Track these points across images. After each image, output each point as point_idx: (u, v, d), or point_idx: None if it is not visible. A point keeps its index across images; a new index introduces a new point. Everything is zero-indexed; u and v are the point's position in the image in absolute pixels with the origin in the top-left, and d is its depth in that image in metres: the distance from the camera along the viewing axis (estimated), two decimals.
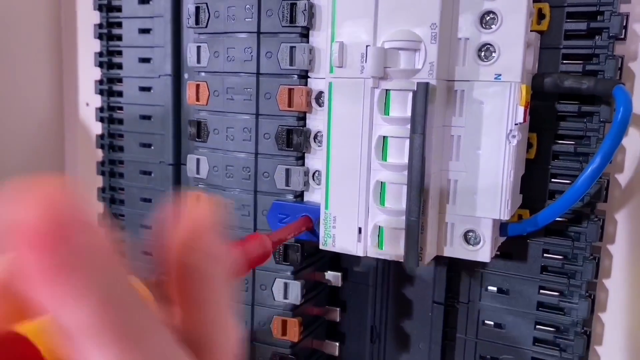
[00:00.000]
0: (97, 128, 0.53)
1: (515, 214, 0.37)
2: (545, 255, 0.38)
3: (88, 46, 0.53)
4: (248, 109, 0.37)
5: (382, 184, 0.33)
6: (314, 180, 0.37)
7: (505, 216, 0.32)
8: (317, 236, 0.35)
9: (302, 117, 0.37)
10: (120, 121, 0.51)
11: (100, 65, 0.51)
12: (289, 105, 0.36)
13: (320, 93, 0.36)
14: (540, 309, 0.38)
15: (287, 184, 0.37)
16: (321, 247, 0.35)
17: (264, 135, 0.37)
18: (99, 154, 0.53)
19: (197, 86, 0.39)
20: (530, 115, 0.36)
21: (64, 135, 0.65)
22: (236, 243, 0.26)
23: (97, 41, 0.51)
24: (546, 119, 0.36)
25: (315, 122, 0.36)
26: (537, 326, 0.38)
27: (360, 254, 0.33)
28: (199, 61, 0.39)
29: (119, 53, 0.50)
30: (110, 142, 0.52)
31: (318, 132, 0.36)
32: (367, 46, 0.31)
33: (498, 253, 0.38)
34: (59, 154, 0.65)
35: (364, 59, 0.31)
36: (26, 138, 0.61)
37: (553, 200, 0.37)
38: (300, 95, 0.36)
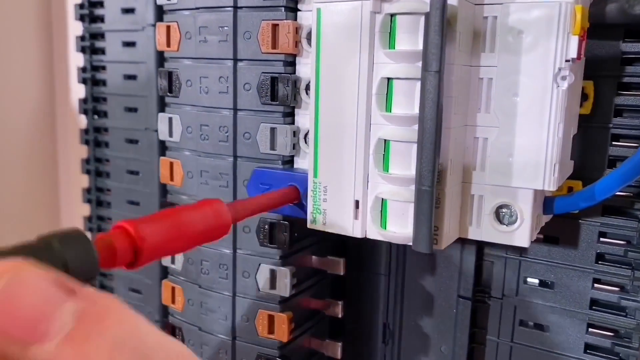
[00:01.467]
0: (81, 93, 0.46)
1: (564, 186, 0.29)
2: (601, 239, 0.30)
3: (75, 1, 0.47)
4: (224, 52, 0.30)
5: (386, 143, 0.25)
6: (305, 142, 0.29)
7: (551, 186, 0.24)
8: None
9: (290, 62, 0.29)
10: (104, 82, 0.44)
11: (82, 18, 0.45)
12: (273, 46, 0.28)
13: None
14: (594, 307, 0.30)
15: (272, 147, 0.29)
16: (309, 225, 0.27)
17: (244, 85, 0.30)
18: (84, 122, 0.47)
19: (168, 28, 0.32)
20: (585, 57, 0.28)
21: (55, 104, 0.60)
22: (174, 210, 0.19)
23: None
24: (607, 62, 0.28)
25: (307, 67, 0.29)
26: (590, 329, 0.31)
27: (358, 234, 0.26)
28: None
29: (102, 4, 0.44)
30: (93, 106, 0.45)
31: (310, 80, 0.29)
32: None
33: (541, 236, 0.31)
34: (51, 121, 0.60)
35: None
36: (17, 105, 0.56)
37: (614, 169, 0.29)
38: (287, 32, 0.28)
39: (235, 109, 0.30)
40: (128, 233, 0.18)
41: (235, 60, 0.30)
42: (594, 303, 0.30)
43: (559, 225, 0.30)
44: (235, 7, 0.29)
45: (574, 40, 0.23)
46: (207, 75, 0.31)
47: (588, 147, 0.29)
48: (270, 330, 0.31)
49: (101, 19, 0.44)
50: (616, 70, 0.28)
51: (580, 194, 0.26)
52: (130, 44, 0.42)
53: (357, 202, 0.26)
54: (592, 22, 0.26)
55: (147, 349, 0.12)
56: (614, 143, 0.29)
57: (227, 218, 0.22)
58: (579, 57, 0.23)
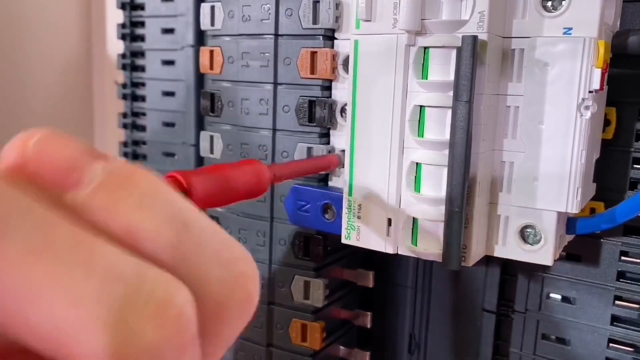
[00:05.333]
0: (120, 105, 0.49)
1: (586, 207, 0.30)
2: (622, 258, 0.31)
3: (117, 21, 0.49)
4: (265, 77, 0.32)
5: (418, 166, 0.27)
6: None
7: (574, 209, 0.25)
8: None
9: (327, 87, 0.31)
10: (143, 98, 0.47)
11: (123, 37, 0.47)
12: (312, 71, 0.30)
13: (349, 57, 0.30)
14: (615, 323, 0.31)
15: None
16: (343, 240, 0.29)
17: (283, 107, 0.32)
18: (123, 135, 0.49)
19: (211, 52, 0.34)
20: (608, 84, 0.29)
21: (94, 118, 0.63)
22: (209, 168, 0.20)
23: (120, 12, 0.47)
24: (629, 89, 0.29)
25: (343, 92, 0.31)
26: (611, 344, 0.32)
27: (390, 251, 0.28)
28: (212, 23, 0.34)
29: (142, 24, 0.46)
30: (133, 121, 0.48)
31: (345, 104, 0.30)
32: None
33: (564, 254, 0.32)
34: (90, 134, 0.62)
35: (397, 9, 0.25)
36: (54, 93, 0.58)
37: (635, 192, 0.30)
38: (325, 59, 0.30)
39: (274, 129, 0.32)
40: (179, 182, 0.18)
41: (275, 84, 0.32)
42: (615, 319, 0.31)
43: (581, 243, 0.31)
44: (277, 35, 0.31)
45: (597, 73, 0.24)
46: (248, 97, 0.33)
47: (610, 170, 0.30)
48: (304, 339, 0.33)
49: (142, 38, 0.46)
50: (638, 96, 0.30)
51: (602, 216, 0.27)
52: (169, 63, 0.44)
53: (389, 220, 0.27)
54: (614, 52, 0.28)
55: (180, 209, 0.12)
56: (635, 166, 0.30)
57: (265, 177, 0.22)
58: (601, 88, 0.25)
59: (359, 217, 0.28)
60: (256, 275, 0.13)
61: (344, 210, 0.29)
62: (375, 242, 0.28)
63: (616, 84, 0.29)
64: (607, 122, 0.30)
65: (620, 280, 0.31)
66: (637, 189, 0.30)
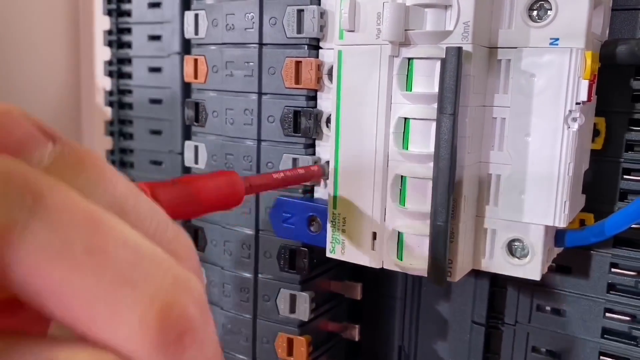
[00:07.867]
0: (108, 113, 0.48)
1: (575, 219, 0.30)
2: (613, 270, 0.31)
3: (103, 28, 0.49)
4: (249, 86, 0.31)
5: (403, 179, 0.26)
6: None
7: (561, 222, 0.25)
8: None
9: (312, 97, 0.30)
10: (130, 106, 0.46)
11: (110, 44, 0.47)
12: (297, 81, 0.30)
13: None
14: (605, 336, 0.31)
15: None
16: (328, 254, 0.28)
17: (268, 118, 0.31)
18: (110, 143, 0.49)
19: (195, 61, 0.34)
20: (597, 94, 0.29)
21: (81, 125, 0.62)
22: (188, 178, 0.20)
23: (107, 18, 0.47)
24: (618, 99, 0.29)
25: (328, 102, 0.30)
26: (602, 357, 0.31)
27: (375, 265, 0.27)
28: (196, 32, 0.33)
29: (129, 31, 0.46)
30: (120, 129, 0.47)
31: (331, 114, 0.30)
32: (384, 3, 0.24)
33: (553, 265, 0.31)
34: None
35: (380, 19, 0.25)
36: (41, 103, 0.58)
37: (625, 203, 0.30)
38: (310, 69, 0.29)
39: (259, 140, 0.32)
40: (144, 192, 0.18)
41: (260, 94, 0.31)
42: (606, 332, 0.31)
43: (571, 255, 0.31)
44: (261, 44, 0.31)
45: (584, 84, 0.24)
46: (232, 107, 0.32)
47: (600, 181, 0.30)
48: (290, 353, 0.32)
49: (128, 44, 0.45)
50: (627, 106, 0.29)
51: (591, 230, 0.27)
52: (156, 70, 0.44)
53: (374, 234, 0.27)
54: (603, 62, 0.27)
55: (121, 195, 0.12)
56: (625, 177, 0.30)
57: (239, 187, 0.22)
58: (589, 99, 0.24)
59: (343, 231, 0.28)
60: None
61: (329, 223, 0.28)
62: (360, 256, 0.27)
63: (605, 94, 0.29)
64: (596, 133, 0.29)
65: (611, 292, 0.31)
66: (627, 199, 0.30)
